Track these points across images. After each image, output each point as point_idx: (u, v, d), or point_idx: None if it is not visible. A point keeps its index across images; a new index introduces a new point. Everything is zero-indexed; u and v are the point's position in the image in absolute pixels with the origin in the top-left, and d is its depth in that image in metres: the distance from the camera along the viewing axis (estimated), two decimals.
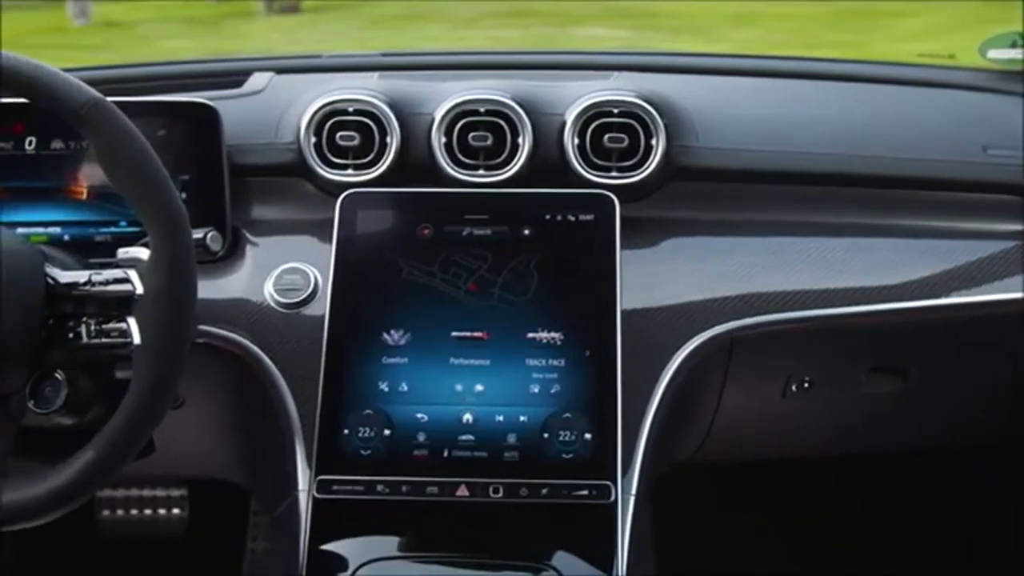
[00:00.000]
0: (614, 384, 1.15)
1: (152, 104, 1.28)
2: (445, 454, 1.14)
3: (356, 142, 1.28)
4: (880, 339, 1.35)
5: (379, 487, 1.13)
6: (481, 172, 1.28)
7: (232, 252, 1.28)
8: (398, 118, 1.28)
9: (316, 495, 1.13)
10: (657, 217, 1.29)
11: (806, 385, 1.37)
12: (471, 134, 1.27)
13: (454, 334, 1.18)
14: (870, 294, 1.26)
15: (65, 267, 1.06)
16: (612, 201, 1.22)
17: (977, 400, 1.52)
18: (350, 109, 1.28)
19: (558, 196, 1.23)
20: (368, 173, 1.28)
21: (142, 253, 1.01)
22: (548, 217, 1.22)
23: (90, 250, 1.20)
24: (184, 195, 1.22)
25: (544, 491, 1.12)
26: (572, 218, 1.22)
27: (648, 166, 1.26)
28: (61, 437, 1.07)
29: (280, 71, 1.44)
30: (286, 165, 1.30)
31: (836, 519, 2.02)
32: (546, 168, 1.28)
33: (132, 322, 0.99)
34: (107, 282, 1.02)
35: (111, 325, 1.02)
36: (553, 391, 1.15)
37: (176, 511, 2.04)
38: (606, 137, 1.27)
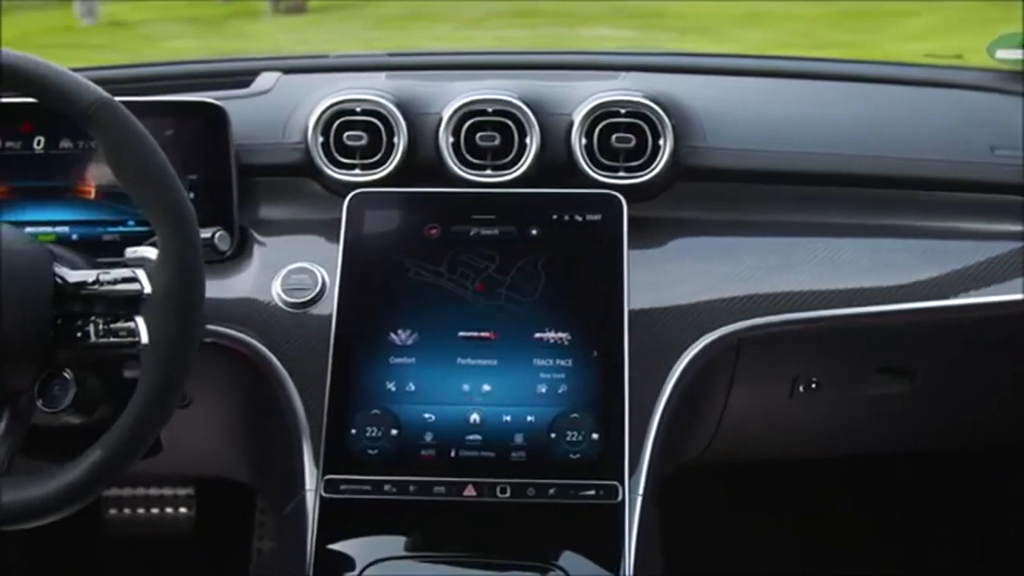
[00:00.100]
0: (621, 384, 1.15)
1: (160, 104, 1.28)
2: (452, 454, 1.14)
3: (363, 142, 1.28)
4: (888, 340, 1.35)
5: (386, 487, 1.13)
6: (488, 172, 1.28)
7: (240, 252, 1.28)
8: (405, 118, 1.28)
9: (323, 495, 1.13)
10: (664, 217, 1.29)
11: (813, 386, 1.37)
12: (478, 134, 1.27)
13: (461, 334, 1.18)
14: (878, 295, 1.25)
15: (73, 266, 1.06)
16: (619, 201, 1.22)
17: (985, 401, 1.52)
18: (358, 109, 1.28)
19: (565, 196, 1.23)
20: (375, 173, 1.28)
21: (150, 252, 1.01)
22: (555, 217, 1.22)
23: (98, 249, 1.20)
24: (192, 195, 1.22)
25: (551, 491, 1.12)
26: (579, 218, 1.22)
27: (656, 166, 1.26)
28: (69, 436, 1.08)
29: (287, 71, 1.45)
30: (293, 165, 1.30)
31: (842, 519, 2.02)
32: (553, 168, 1.28)
33: (140, 321, 1.00)
34: (115, 281, 1.02)
35: (119, 324, 1.02)
36: (560, 391, 1.15)
37: (183, 510, 2.04)
38: (614, 137, 1.27)
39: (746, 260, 1.27)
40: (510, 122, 1.27)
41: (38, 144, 1.27)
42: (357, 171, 1.28)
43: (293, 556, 1.13)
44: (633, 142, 1.27)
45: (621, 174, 1.27)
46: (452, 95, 1.29)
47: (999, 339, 1.37)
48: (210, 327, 1.20)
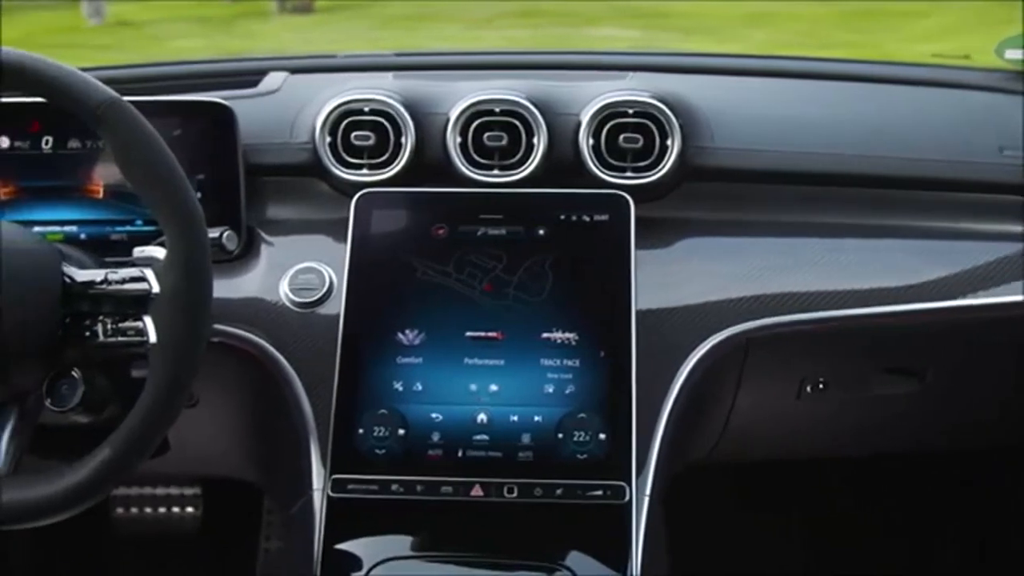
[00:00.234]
0: (629, 384, 1.15)
1: (168, 104, 1.28)
2: (459, 454, 1.14)
3: (371, 142, 1.28)
4: (895, 341, 1.35)
5: (393, 486, 1.13)
6: (496, 172, 1.28)
7: (247, 251, 1.28)
8: (413, 118, 1.28)
9: (331, 494, 1.13)
10: (672, 217, 1.29)
11: (821, 386, 1.37)
12: (486, 134, 1.27)
13: (469, 334, 1.18)
14: (885, 295, 1.25)
15: (82, 266, 1.07)
16: (627, 201, 1.22)
17: (992, 401, 1.51)
18: (365, 109, 1.28)
19: (573, 196, 1.23)
20: (383, 173, 1.28)
21: (158, 252, 1.01)
22: (563, 217, 1.22)
23: (106, 249, 1.21)
24: (199, 194, 1.22)
25: (558, 491, 1.12)
26: (587, 218, 1.21)
27: (663, 166, 1.26)
28: (77, 435, 1.08)
29: (295, 71, 1.45)
30: (301, 165, 1.30)
31: (849, 520, 2.02)
32: (561, 168, 1.28)
33: (148, 321, 1.00)
34: (123, 281, 1.02)
35: (127, 324, 1.03)
36: (568, 391, 1.15)
37: (190, 510, 2.04)
38: (621, 137, 1.27)
39: (753, 260, 1.27)
40: (517, 122, 1.27)
41: (46, 144, 1.27)
42: (364, 171, 1.28)
43: (300, 555, 1.13)
44: (641, 142, 1.27)
45: (628, 174, 1.27)
46: (460, 95, 1.29)
47: (1006, 340, 1.37)
48: (218, 327, 1.20)
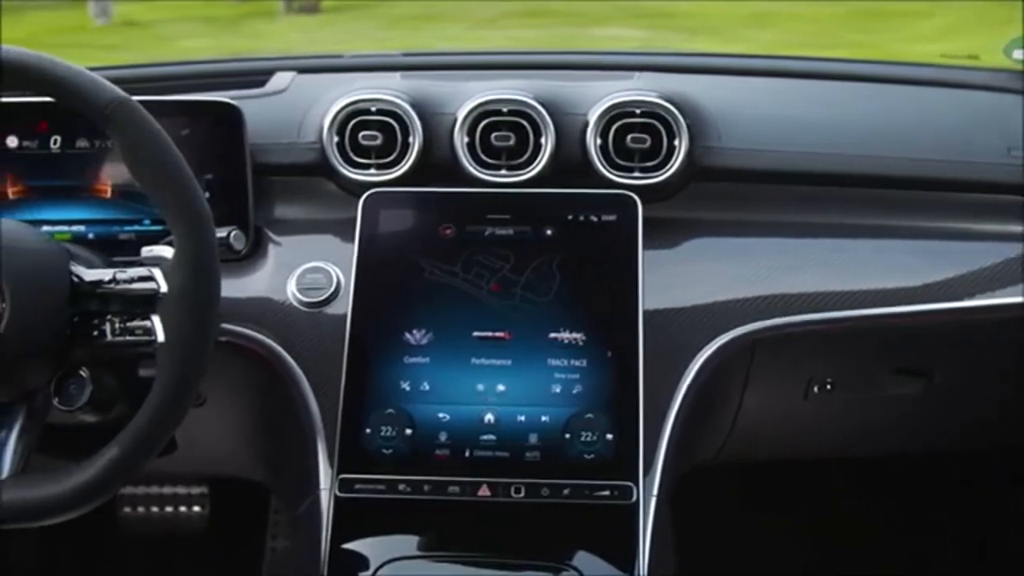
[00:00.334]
0: (636, 385, 1.15)
1: (176, 103, 1.28)
2: (467, 454, 1.14)
3: (379, 142, 1.28)
4: (903, 341, 1.35)
5: (401, 486, 1.13)
6: (503, 172, 1.28)
7: (255, 251, 1.28)
8: (421, 118, 1.28)
9: (338, 494, 1.13)
10: (679, 218, 1.29)
11: (828, 387, 1.37)
12: (493, 134, 1.27)
13: (476, 334, 1.18)
14: (892, 296, 1.25)
15: (90, 265, 1.07)
16: (634, 201, 1.22)
17: (1000, 402, 1.51)
18: (373, 109, 1.28)
19: (580, 196, 1.23)
20: (390, 173, 1.28)
21: (166, 251, 1.01)
22: (570, 217, 1.22)
23: (114, 248, 1.21)
24: (207, 194, 1.22)
25: (566, 491, 1.12)
26: (594, 218, 1.21)
27: (671, 166, 1.26)
28: (85, 434, 1.08)
29: (302, 71, 1.45)
30: (309, 164, 1.30)
31: (856, 520, 2.02)
32: (568, 168, 1.28)
33: (156, 320, 1.00)
34: (131, 280, 1.02)
35: (135, 323, 1.03)
36: (575, 391, 1.15)
37: (197, 509, 2.05)
38: (629, 137, 1.27)
39: (760, 260, 1.27)
40: (525, 122, 1.27)
41: (55, 143, 1.27)
42: (372, 171, 1.28)
43: (307, 555, 1.13)
44: (648, 142, 1.27)
45: (636, 174, 1.27)
46: (467, 95, 1.29)
47: (1012, 340, 1.36)
48: (225, 326, 1.20)
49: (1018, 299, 1.27)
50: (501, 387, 1.16)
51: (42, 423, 1.07)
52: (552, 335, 1.17)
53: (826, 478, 1.99)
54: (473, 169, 1.28)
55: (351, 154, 1.29)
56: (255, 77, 1.43)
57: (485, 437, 1.14)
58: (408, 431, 1.15)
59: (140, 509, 2.04)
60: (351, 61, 1.59)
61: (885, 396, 1.43)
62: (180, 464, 1.17)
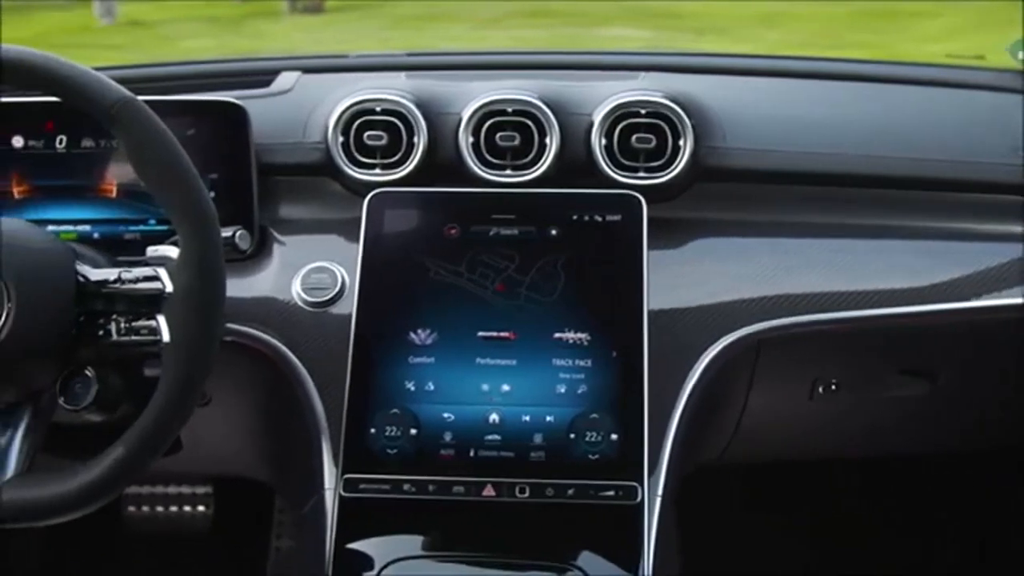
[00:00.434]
0: (641, 385, 1.15)
1: (181, 103, 1.29)
2: (471, 454, 1.14)
3: (384, 142, 1.28)
4: (908, 342, 1.34)
5: (405, 486, 1.13)
6: (508, 172, 1.28)
7: (260, 251, 1.28)
8: (425, 118, 1.28)
9: (342, 494, 1.13)
10: (684, 218, 1.29)
11: (833, 387, 1.36)
12: (498, 134, 1.27)
13: (481, 334, 1.18)
14: (898, 296, 1.25)
15: (95, 265, 1.07)
16: (639, 202, 1.22)
17: (1005, 402, 1.51)
18: (378, 109, 1.29)
19: (585, 196, 1.23)
20: (395, 173, 1.28)
21: (171, 251, 1.01)
22: (575, 217, 1.21)
23: (119, 248, 1.22)
24: (212, 194, 1.23)
25: (570, 491, 1.12)
26: (599, 218, 1.21)
27: (676, 167, 1.26)
28: (90, 434, 1.09)
29: (307, 71, 1.45)
30: (314, 164, 1.30)
31: (860, 520, 2.01)
32: (573, 168, 1.28)
33: (161, 320, 1.00)
34: (137, 280, 1.03)
35: (140, 323, 1.03)
36: (580, 391, 1.15)
37: (202, 508, 2.05)
38: (634, 137, 1.26)
39: (765, 261, 1.27)
40: (530, 122, 1.27)
41: (60, 143, 1.28)
42: (377, 171, 1.28)
43: (312, 555, 1.13)
44: (653, 142, 1.26)
45: (641, 174, 1.27)
46: (472, 95, 1.29)
47: (1018, 341, 1.36)
48: (230, 326, 1.20)
49: (1022, 300, 1.26)
50: (506, 387, 1.16)
51: (48, 423, 1.07)
52: (557, 335, 1.17)
53: (830, 479, 1.99)
54: (478, 169, 1.28)
55: (356, 154, 1.29)
56: (260, 77, 1.44)
57: (490, 437, 1.14)
58: (413, 431, 1.15)
59: (145, 508, 2.04)
60: (356, 61, 1.59)
61: (890, 397, 1.43)
62: (185, 464, 1.18)
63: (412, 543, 1.12)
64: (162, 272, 1.01)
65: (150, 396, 0.99)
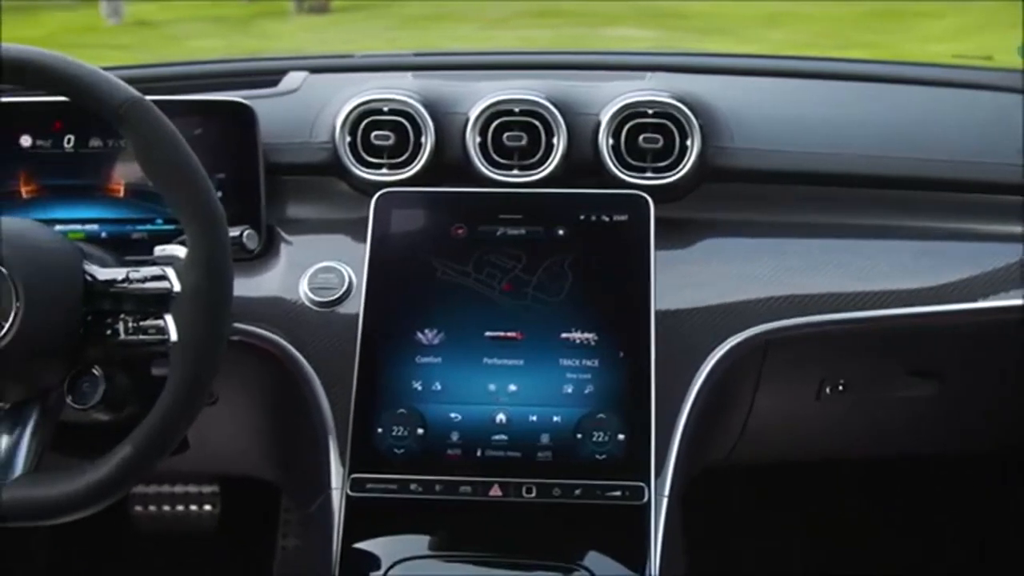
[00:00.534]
0: (648, 385, 1.14)
1: (189, 103, 1.29)
2: (478, 454, 1.14)
3: (391, 141, 1.28)
4: (915, 342, 1.34)
5: (412, 486, 1.13)
6: (515, 172, 1.28)
7: (267, 251, 1.28)
8: (433, 118, 1.28)
9: (349, 493, 1.13)
10: (691, 218, 1.29)
11: (841, 388, 1.36)
12: (506, 134, 1.27)
13: (488, 334, 1.18)
14: (905, 297, 1.25)
15: (103, 264, 1.07)
16: (646, 202, 1.22)
17: (1013, 403, 1.50)
18: (385, 108, 1.29)
19: (592, 196, 1.23)
20: (402, 172, 1.28)
21: (179, 251, 1.01)
22: (582, 217, 1.21)
23: (127, 247, 1.22)
24: (220, 193, 1.23)
25: (577, 491, 1.12)
26: (606, 218, 1.21)
27: (683, 167, 1.26)
28: (98, 433, 1.09)
29: (314, 70, 1.45)
30: (321, 164, 1.31)
31: (867, 521, 2.01)
32: (580, 168, 1.28)
33: (169, 319, 1.00)
34: (144, 279, 1.03)
35: (148, 322, 1.03)
36: (587, 391, 1.15)
37: (208, 507, 2.05)
38: (641, 138, 1.26)
39: (772, 261, 1.26)
40: (537, 122, 1.28)
41: (68, 143, 1.28)
42: (384, 171, 1.28)
43: (319, 554, 1.13)
44: (660, 142, 1.26)
45: (648, 174, 1.27)
46: (479, 95, 1.29)
47: None
48: (237, 325, 1.21)
49: None
50: (513, 387, 1.16)
51: (55, 421, 1.07)
52: (564, 335, 1.17)
53: (836, 479, 1.99)
54: (485, 169, 1.28)
55: (363, 154, 1.29)
56: (267, 77, 1.44)
57: (497, 437, 1.14)
58: (420, 431, 1.15)
59: (151, 507, 2.05)
60: (363, 61, 1.60)
61: (897, 397, 1.42)
62: (192, 463, 1.18)
63: (419, 543, 1.12)
64: (170, 271, 1.01)
65: (157, 395, 0.99)
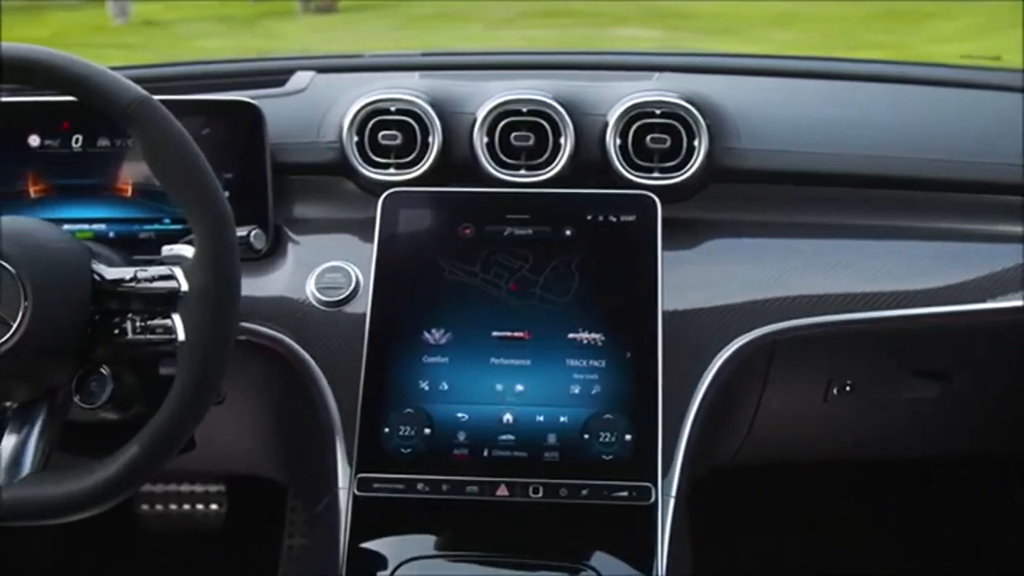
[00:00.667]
0: (655, 385, 1.14)
1: (196, 103, 1.29)
2: (485, 454, 1.14)
3: (398, 141, 1.28)
4: (923, 343, 1.34)
5: (419, 486, 1.13)
6: (523, 172, 1.28)
7: (274, 250, 1.28)
8: (440, 118, 1.28)
9: (356, 493, 1.13)
10: (699, 218, 1.29)
11: (847, 388, 1.36)
12: (513, 134, 1.27)
13: (495, 334, 1.18)
14: (912, 298, 1.24)
15: (111, 264, 1.07)
16: (654, 202, 1.22)
17: (1019, 405, 1.50)
18: (392, 108, 1.29)
19: (600, 196, 1.23)
20: (410, 172, 1.28)
21: (187, 251, 1.02)
22: (590, 217, 1.21)
23: (135, 247, 1.22)
24: (227, 193, 1.23)
25: (584, 492, 1.12)
26: (614, 219, 1.21)
27: (690, 167, 1.26)
28: (106, 432, 1.09)
29: (322, 70, 1.45)
30: (328, 164, 1.31)
31: (873, 522, 2.01)
32: (588, 168, 1.28)
33: (176, 319, 1.00)
34: (152, 279, 1.03)
35: (156, 321, 1.03)
36: (594, 392, 1.15)
37: (214, 507, 2.05)
38: (648, 138, 1.26)
39: (780, 262, 1.26)
40: (545, 122, 1.27)
41: (76, 142, 1.28)
42: (391, 170, 1.29)
43: (325, 554, 1.14)
44: (668, 143, 1.26)
45: (655, 175, 1.27)
46: (486, 95, 1.29)
47: None
48: (245, 325, 1.21)
49: None
50: (520, 387, 1.16)
51: (63, 421, 1.07)
52: (571, 335, 1.17)
53: (842, 481, 1.99)
54: (492, 169, 1.28)
55: (370, 154, 1.29)
56: (275, 77, 1.44)
57: (504, 437, 1.14)
58: (427, 431, 1.15)
59: (158, 506, 2.05)
60: (370, 61, 1.60)
61: (904, 399, 1.42)
62: (198, 462, 1.18)
63: (425, 543, 1.12)
64: (177, 271, 1.01)
65: (165, 395, 0.99)
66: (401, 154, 1.29)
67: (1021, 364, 1.42)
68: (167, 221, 1.28)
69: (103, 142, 1.28)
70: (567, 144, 1.27)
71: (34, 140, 1.28)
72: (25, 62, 0.99)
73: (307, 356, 1.21)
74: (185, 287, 1.00)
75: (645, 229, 1.21)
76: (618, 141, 1.27)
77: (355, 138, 1.29)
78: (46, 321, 1.00)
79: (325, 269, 1.24)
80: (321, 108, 1.33)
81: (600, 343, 1.16)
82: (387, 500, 1.13)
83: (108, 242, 1.21)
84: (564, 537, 1.11)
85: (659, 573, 1.09)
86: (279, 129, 1.30)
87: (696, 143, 1.26)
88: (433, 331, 1.18)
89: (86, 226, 1.28)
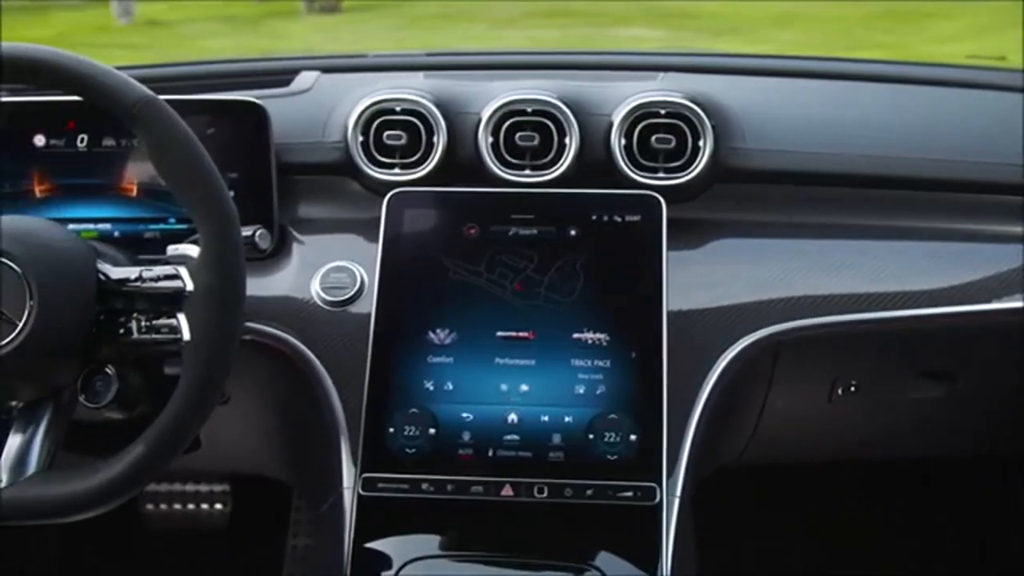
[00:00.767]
0: (660, 385, 1.14)
1: (201, 102, 1.29)
2: (490, 454, 1.14)
3: (403, 141, 1.28)
4: (927, 344, 1.34)
5: (424, 486, 1.13)
6: (527, 172, 1.28)
7: (279, 250, 1.28)
8: (445, 117, 1.28)
9: (361, 493, 1.13)
10: (703, 219, 1.29)
11: (852, 389, 1.36)
12: (518, 134, 1.27)
13: (500, 334, 1.18)
14: (916, 298, 1.24)
15: (116, 263, 1.07)
16: (659, 202, 1.22)
17: (1021, 406, 1.50)
18: (397, 108, 1.29)
19: (604, 196, 1.23)
20: (415, 172, 1.28)
21: (192, 250, 1.02)
22: (594, 217, 1.21)
23: (140, 247, 1.22)
24: (232, 193, 1.23)
25: (589, 492, 1.12)
26: (619, 219, 1.21)
27: (695, 167, 1.26)
28: (111, 431, 1.09)
29: (326, 70, 1.45)
30: (333, 164, 1.31)
31: (878, 523, 2.01)
32: (593, 168, 1.28)
33: (182, 318, 1.00)
34: (157, 278, 1.03)
35: (161, 321, 1.03)
36: (598, 392, 1.15)
37: (219, 506, 2.05)
38: (653, 138, 1.26)
39: (784, 262, 1.26)
40: (549, 122, 1.27)
41: (82, 142, 1.28)
42: (396, 170, 1.29)
43: (330, 553, 1.14)
44: (673, 143, 1.26)
45: (660, 175, 1.27)
46: (491, 95, 1.29)
47: None
48: (250, 325, 1.21)
49: None
50: (524, 387, 1.16)
51: (68, 420, 1.07)
52: (576, 335, 1.17)
53: (846, 481, 1.99)
54: (497, 169, 1.28)
55: (375, 153, 1.29)
56: (280, 76, 1.44)
57: (508, 437, 1.14)
58: (432, 431, 1.15)
59: (163, 506, 2.05)
60: (375, 61, 1.60)
61: (909, 399, 1.42)
62: (203, 461, 1.18)
63: (430, 542, 1.12)
64: (182, 271, 1.01)
65: (170, 394, 0.99)
66: (406, 154, 1.29)
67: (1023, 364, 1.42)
68: (172, 221, 1.28)
69: (108, 142, 1.28)
70: (572, 144, 1.27)
71: (39, 140, 1.29)
72: (32, 62, 0.99)
73: (312, 356, 1.21)
74: (190, 287, 1.00)
75: (650, 229, 1.21)
76: (623, 141, 1.27)
77: (360, 138, 1.29)
78: (51, 321, 1.00)
79: (330, 269, 1.25)
80: (326, 108, 1.33)
81: (605, 343, 1.16)
82: (392, 500, 1.13)
83: (113, 242, 1.21)
84: (569, 537, 1.11)
85: (664, 573, 1.09)
86: (284, 129, 1.30)
87: (701, 143, 1.26)
88: (438, 331, 1.18)
89: (91, 226, 1.28)
